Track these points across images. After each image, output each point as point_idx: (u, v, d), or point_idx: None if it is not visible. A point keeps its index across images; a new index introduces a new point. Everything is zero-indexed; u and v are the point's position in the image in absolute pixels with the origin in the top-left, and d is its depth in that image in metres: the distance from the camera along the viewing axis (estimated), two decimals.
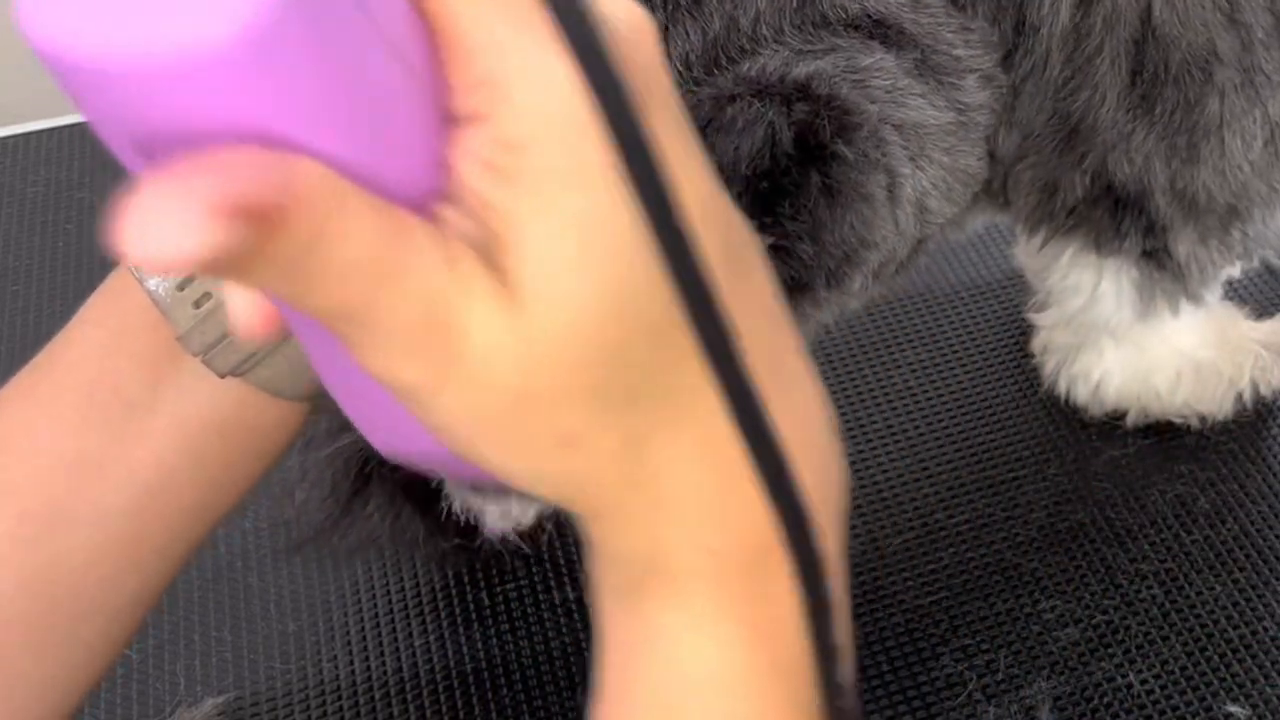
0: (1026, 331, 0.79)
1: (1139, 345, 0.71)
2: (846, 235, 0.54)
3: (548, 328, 0.27)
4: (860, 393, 0.77)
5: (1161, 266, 0.66)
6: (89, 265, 0.87)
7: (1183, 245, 0.65)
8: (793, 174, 0.52)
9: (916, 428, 0.75)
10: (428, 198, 0.27)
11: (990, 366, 0.78)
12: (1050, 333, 0.74)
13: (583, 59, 0.25)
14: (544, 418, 0.28)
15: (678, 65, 0.52)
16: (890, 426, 0.75)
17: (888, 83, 0.54)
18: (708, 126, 0.51)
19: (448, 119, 0.28)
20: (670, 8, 0.52)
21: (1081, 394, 0.73)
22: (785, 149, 0.51)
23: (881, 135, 0.54)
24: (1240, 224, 0.65)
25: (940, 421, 0.75)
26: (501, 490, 0.51)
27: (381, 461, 0.55)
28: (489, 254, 0.27)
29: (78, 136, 0.96)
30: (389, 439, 0.34)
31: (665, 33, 0.52)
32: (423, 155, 0.27)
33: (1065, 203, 0.65)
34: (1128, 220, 0.64)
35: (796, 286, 0.54)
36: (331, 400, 0.34)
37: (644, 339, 0.28)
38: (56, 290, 0.85)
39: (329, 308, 0.26)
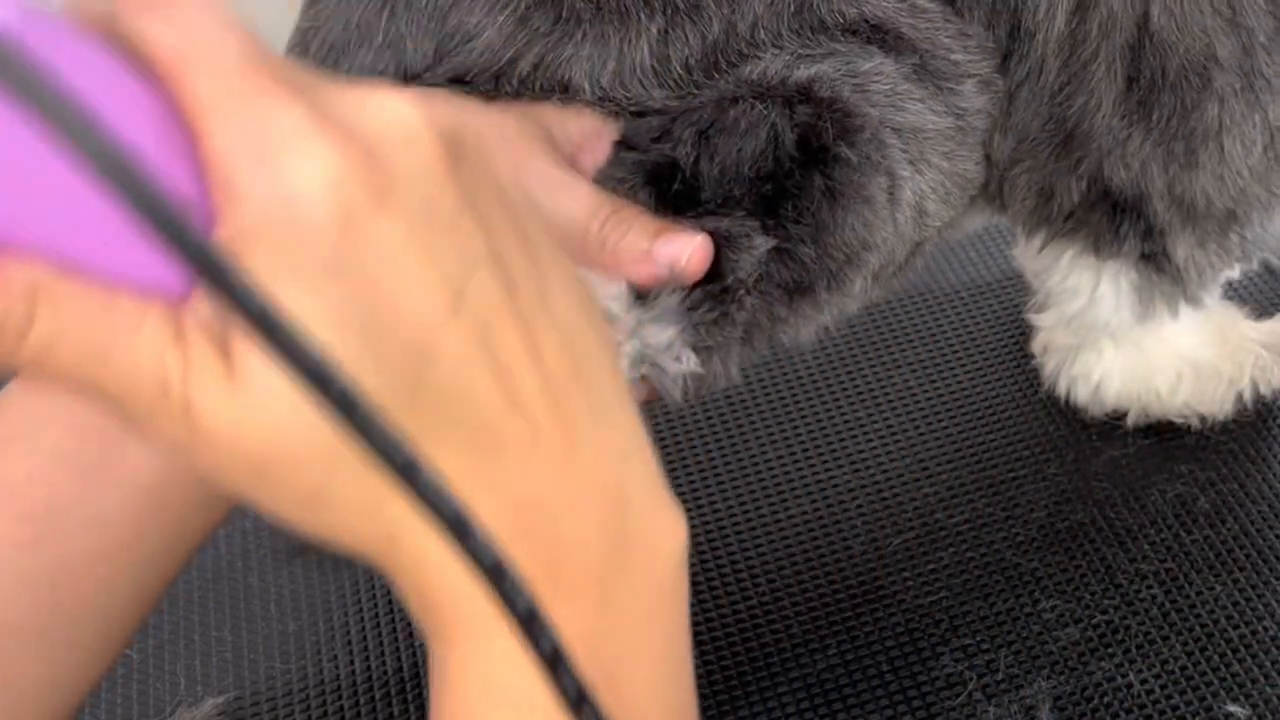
0: (1026, 331, 0.79)
1: (1139, 346, 0.71)
2: (848, 237, 0.54)
3: (266, 408, 0.29)
4: (860, 393, 0.77)
5: (1160, 270, 0.66)
6: None
7: (1181, 249, 0.65)
8: (795, 176, 0.52)
9: (916, 428, 0.75)
10: (180, 287, 0.30)
11: (990, 366, 0.78)
12: (1050, 333, 0.74)
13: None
14: (286, 478, 0.30)
15: (677, 69, 0.52)
16: (890, 426, 0.75)
17: (887, 87, 0.54)
18: (710, 129, 0.51)
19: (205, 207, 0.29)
20: (669, 12, 0.52)
21: (1082, 394, 0.73)
22: (788, 151, 0.51)
23: (882, 138, 0.54)
24: (1239, 228, 0.65)
25: (940, 421, 0.75)
26: None
27: None
28: (224, 339, 0.29)
29: None
30: None
31: (665, 36, 0.52)
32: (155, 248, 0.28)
33: (1062, 207, 0.65)
34: (1126, 224, 0.64)
35: (798, 289, 0.54)
36: None
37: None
38: None
39: (71, 385, 0.29)
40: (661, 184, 0.51)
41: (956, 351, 0.79)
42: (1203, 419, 0.73)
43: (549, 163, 0.50)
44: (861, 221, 0.54)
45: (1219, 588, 0.66)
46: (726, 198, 0.51)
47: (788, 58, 0.53)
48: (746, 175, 0.51)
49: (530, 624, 0.30)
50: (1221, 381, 0.73)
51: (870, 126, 0.53)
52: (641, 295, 0.51)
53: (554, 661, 0.31)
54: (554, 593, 0.32)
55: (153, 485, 0.49)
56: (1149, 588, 0.66)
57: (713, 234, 0.51)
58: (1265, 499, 0.70)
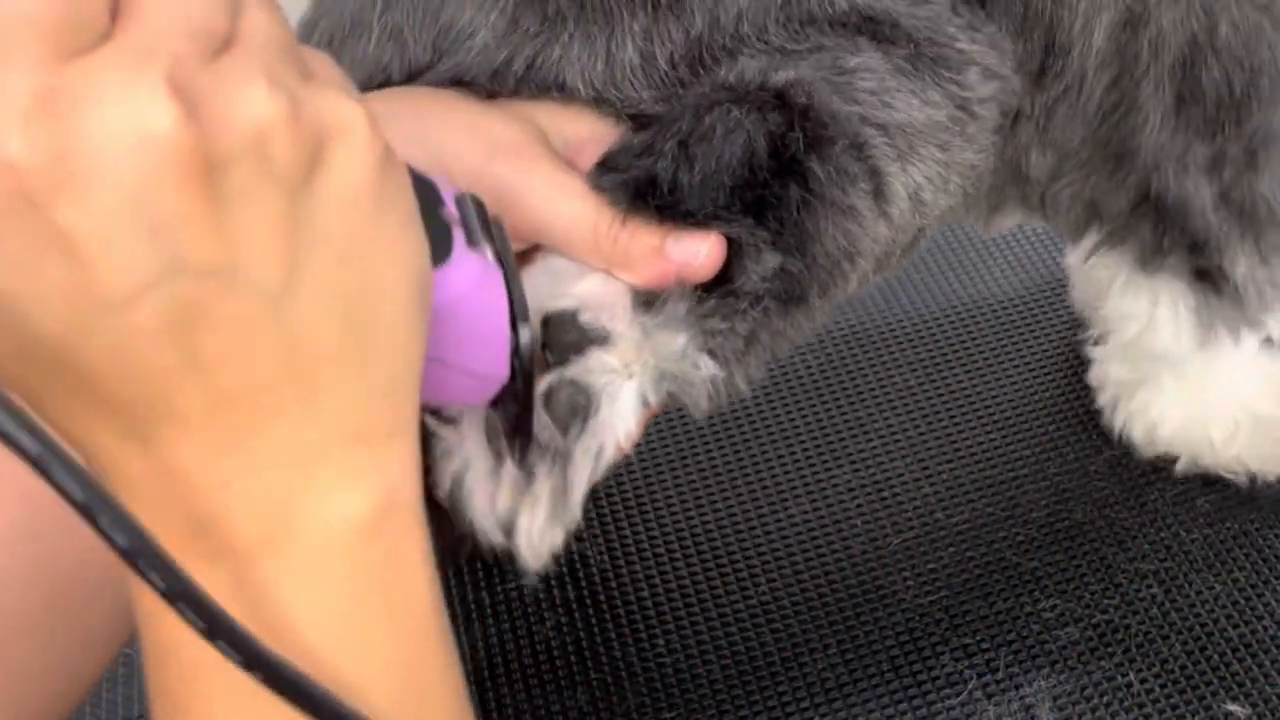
0: (1026, 332, 0.79)
1: (1200, 385, 0.69)
2: (831, 248, 0.52)
3: None
4: (860, 393, 0.77)
5: (1218, 291, 0.65)
6: None
7: (1240, 265, 0.64)
8: (773, 186, 0.51)
9: (916, 428, 0.75)
10: None
11: (990, 366, 0.78)
12: (1107, 366, 0.72)
13: None
14: None
15: (662, 66, 0.52)
16: (890, 426, 0.75)
17: (873, 84, 0.53)
18: (689, 138, 0.50)
19: None
20: (651, 7, 0.51)
21: (1137, 432, 0.72)
22: (762, 160, 0.50)
23: (863, 140, 0.52)
24: None
25: (940, 421, 0.75)
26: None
27: None
28: None
29: None
30: None
31: (648, 33, 0.51)
32: None
33: (1108, 218, 0.64)
34: (1169, 234, 0.63)
35: (791, 299, 0.53)
36: None
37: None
38: None
39: None
40: (645, 199, 0.50)
41: (957, 351, 0.79)
42: (1252, 477, 0.71)
43: (553, 165, 0.50)
44: (843, 232, 0.52)
45: (1219, 587, 0.66)
46: (719, 207, 0.50)
47: (766, 59, 0.52)
48: (726, 184, 0.50)
49: (179, 599, 0.32)
50: (1279, 439, 0.70)
51: (847, 134, 0.52)
52: (647, 302, 0.50)
53: (213, 630, 0.33)
54: (206, 552, 0.35)
55: None
56: (1149, 587, 0.66)
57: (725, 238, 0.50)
58: (1265, 499, 0.70)
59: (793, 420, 0.75)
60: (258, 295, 0.33)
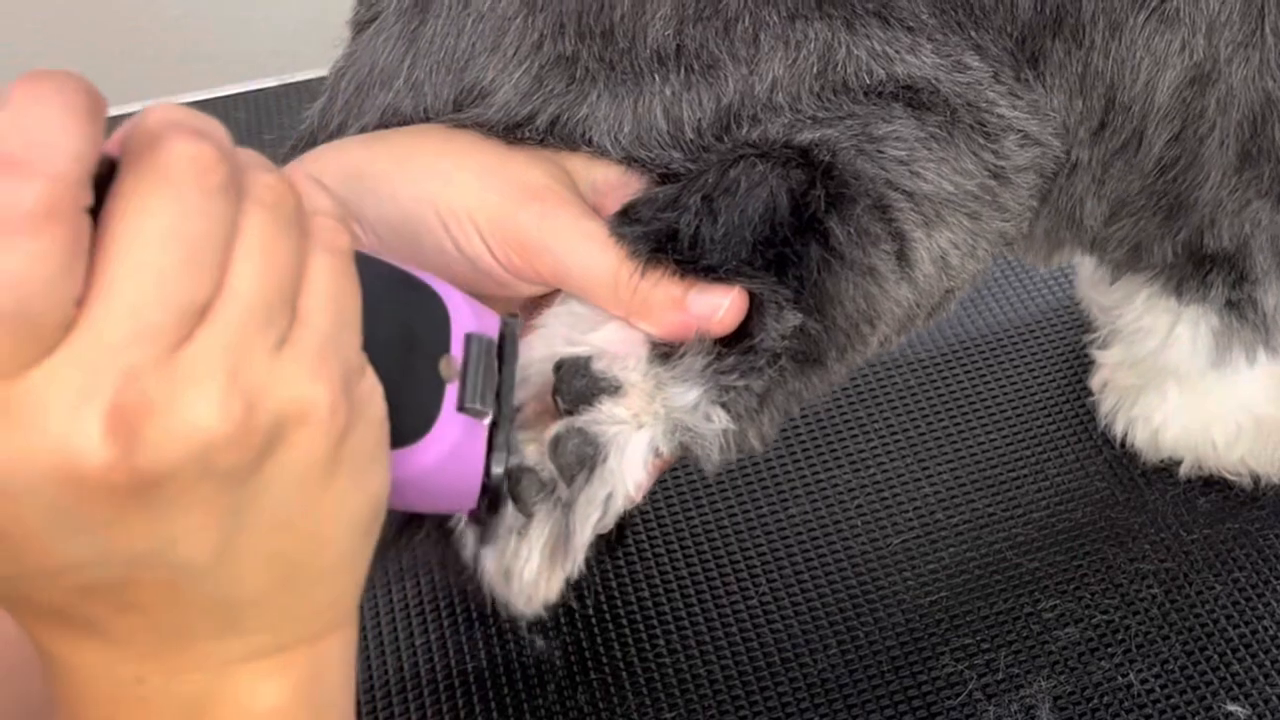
0: (1026, 332, 0.79)
1: (1204, 392, 0.69)
2: (850, 310, 0.51)
3: None
4: (860, 393, 0.77)
5: (1244, 317, 0.65)
6: None
7: (1272, 297, 0.64)
8: (794, 244, 0.50)
9: (916, 427, 0.75)
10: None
11: (990, 367, 0.78)
12: (1112, 371, 0.72)
13: None
14: None
15: (689, 133, 0.50)
16: (890, 426, 0.75)
17: (902, 153, 0.51)
18: (713, 192, 0.49)
19: None
20: (683, 73, 0.50)
21: (1140, 437, 0.71)
22: (784, 216, 0.49)
23: (887, 203, 0.51)
24: None
25: (940, 421, 0.75)
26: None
27: None
28: None
29: None
30: None
31: (677, 98, 0.50)
32: None
33: (1154, 262, 0.64)
34: (1215, 273, 0.63)
35: (808, 360, 0.52)
36: None
37: None
38: None
39: None
40: (666, 252, 0.49)
41: (956, 351, 0.79)
42: (1256, 478, 0.71)
43: (579, 211, 0.49)
44: (864, 295, 0.51)
45: (1219, 588, 0.66)
46: (741, 262, 0.49)
47: (790, 119, 0.51)
48: (749, 239, 0.49)
49: None
50: None
51: (870, 194, 0.51)
52: (665, 355, 0.49)
53: None
54: None
55: None
56: (1149, 588, 0.66)
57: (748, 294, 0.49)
58: (1265, 499, 0.70)
59: (792, 420, 0.75)
60: (186, 569, 0.34)
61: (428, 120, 0.52)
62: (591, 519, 0.48)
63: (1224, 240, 0.62)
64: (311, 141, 0.54)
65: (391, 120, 0.52)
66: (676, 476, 0.72)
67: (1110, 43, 0.56)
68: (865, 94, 0.51)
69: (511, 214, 0.48)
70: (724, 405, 0.50)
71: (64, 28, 1.54)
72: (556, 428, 0.48)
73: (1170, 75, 0.57)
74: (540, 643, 0.64)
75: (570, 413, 0.48)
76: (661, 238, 0.49)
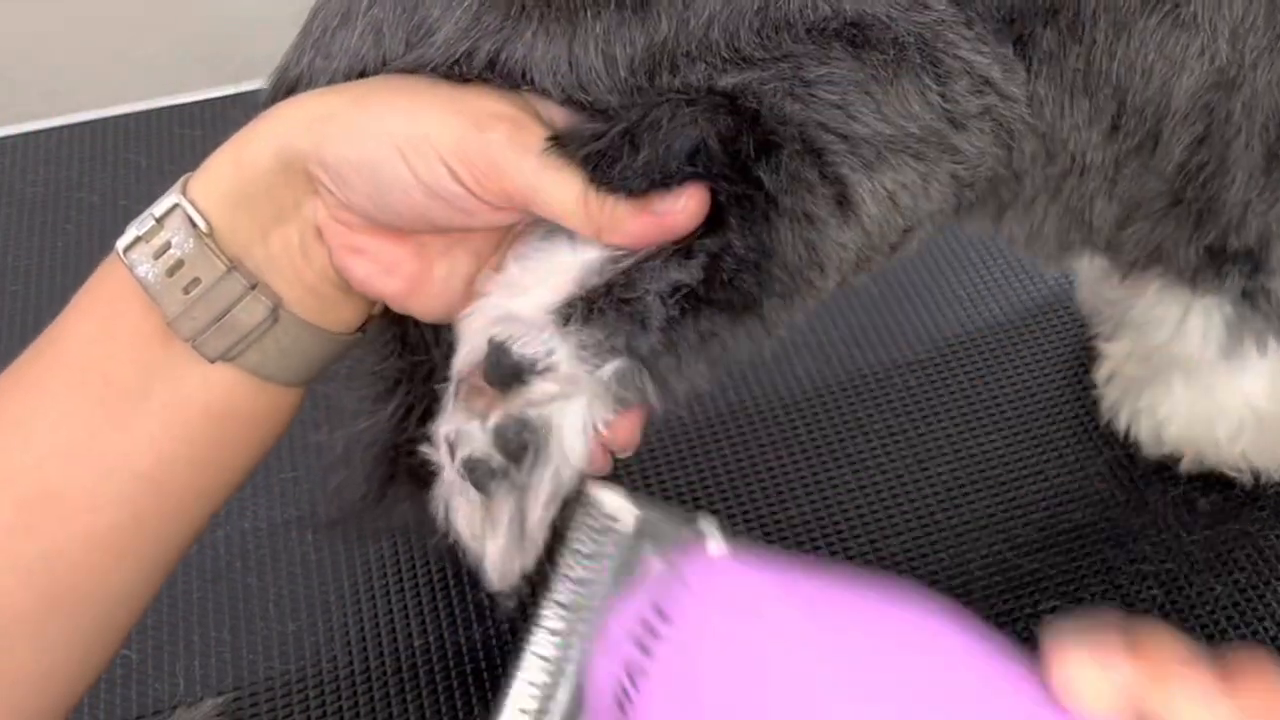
0: (1027, 332, 0.79)
1: (1210, 385, 0.69)
2: (790, 259, 0.51)
3: None
4: (860, 393, 0.77)
5: (1255, 306, 0.65)
6: (88, 265, 0.87)
7: None
8: (728, 186, 0.49)
9: (916, 428, 0.75)
10: None
11: (990, 366, 0.78)
12: (1118, 364, 0.72)
13: None
14: None
15: (622, 72, 0.50)
16: (890, 426, 0.75)
17: (835, 96, 0.50)
18: (636, 129, 0.49)
19: None
20: (615, 7, 0.49)
21: (1144, 430, 0.71)
22: (717, 156, 0.49)
23: (819, 146, 0.50)
24: None
25: (940, 421, 0.75)
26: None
27: (410, 452, 0.55)
28: None
29: (78, 136, 0.96)
30: None
31: (608, 35, 0.50)
32: None
33: (1172, 265, 0.63)
34: (1231, 264, 0.63)
35: (739, 310, 0.51)
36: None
37: None
38: (56, 290, 0.85)
39: None
40: (593, 182, 0.49)
41: (956, 351, 0.79)
42: (1256, 474, 0.71)
43: (545, 132, 0.50)
44: (803, 242, 0.51)
45: (1219, 588, 0.66)
46: (668, 179, 0.49)
47: (720, 61, 0.50)
48: (674, 170, 0.48)
49: None
50: None
51: (797, 141, 0.50)
52: (567, 316, 0.49)
53: None
54: None
55: (148, 472, 0.49)
56: (1149, 589, 0.66)
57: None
58: (1265, 500, 0.70)
59: (792, 420, 0.75)
60: None
61: (384, 66, 0.52)
62: (542, 498, 0.49)
63: (1250, 239, 0.61)
64: (291, 89, 0.55)
65: (356, 67, 0.53)
66: (677, 475, 0.72)
67: (1115, 43, 0.56)
68: (808, 31, 0.50)
69: (478, 135, 0.48)
70: (643, 364, 0.49)
71: (64, 28, 1.54)
72: (495, 418, 0.48)
73: (1188, 79, 0.57)
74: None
75: (504, 394, 0.49)
76: (586, 167, 0.49)
